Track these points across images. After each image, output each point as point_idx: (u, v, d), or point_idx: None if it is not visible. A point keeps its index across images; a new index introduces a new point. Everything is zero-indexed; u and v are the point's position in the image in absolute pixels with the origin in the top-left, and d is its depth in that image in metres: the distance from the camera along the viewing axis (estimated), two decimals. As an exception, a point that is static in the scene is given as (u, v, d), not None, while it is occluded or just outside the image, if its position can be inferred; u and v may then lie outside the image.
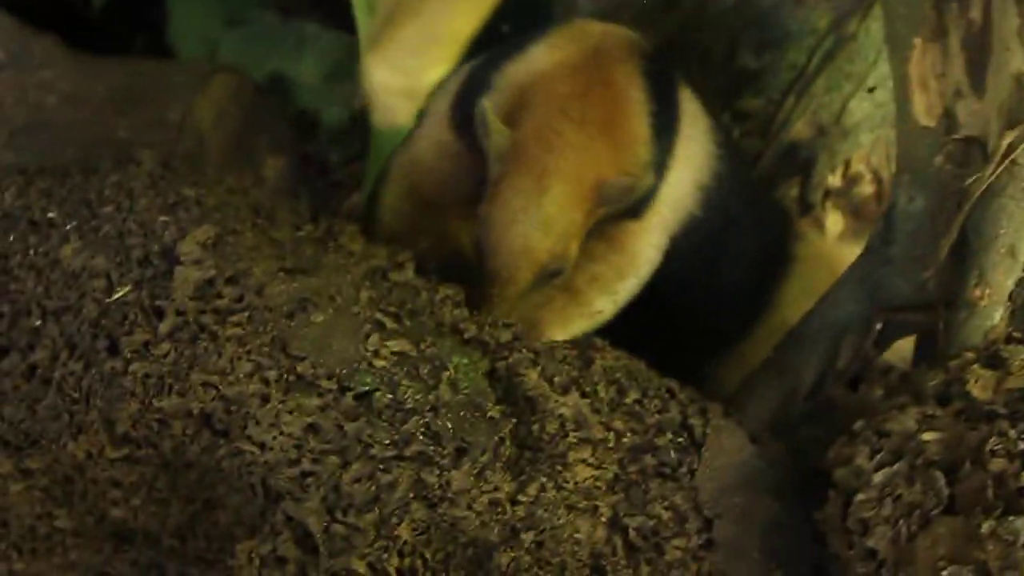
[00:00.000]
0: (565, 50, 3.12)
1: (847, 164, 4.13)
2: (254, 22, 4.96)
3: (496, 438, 2.58)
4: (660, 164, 3.05)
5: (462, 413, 2.59)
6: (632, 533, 2.64)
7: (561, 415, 2.66)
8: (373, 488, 2.51)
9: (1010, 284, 2.94)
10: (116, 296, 2.69)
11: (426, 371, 2.63)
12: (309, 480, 2.52)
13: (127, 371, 2.61)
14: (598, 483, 2.65)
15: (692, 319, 3.27)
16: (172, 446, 2.60)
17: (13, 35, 4.35)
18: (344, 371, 2.60)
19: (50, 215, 2.87)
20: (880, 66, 3.96)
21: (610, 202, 2.87)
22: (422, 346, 2.67)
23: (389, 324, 2.69)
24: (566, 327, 3.01)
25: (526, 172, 2.90)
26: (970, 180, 2.87)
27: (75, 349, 2.66)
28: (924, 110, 2.98)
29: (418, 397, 2.59)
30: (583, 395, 2.69)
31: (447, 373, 2.63)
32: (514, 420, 2.62)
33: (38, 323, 2.72)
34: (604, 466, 2.66)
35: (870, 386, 2.99)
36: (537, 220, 2.86)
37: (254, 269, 2.71)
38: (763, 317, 3.44)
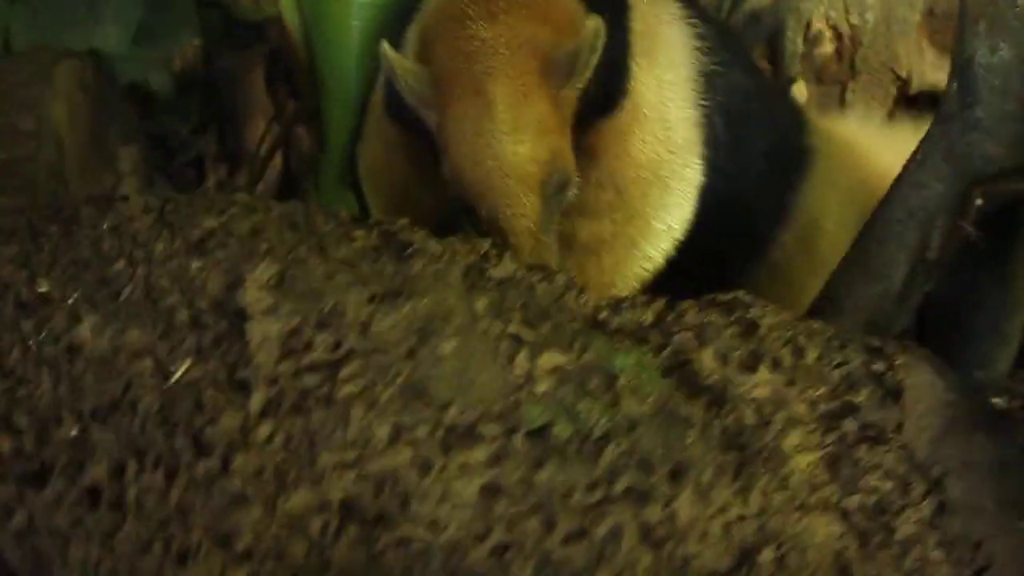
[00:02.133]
0: None
1: (808, 25, 3.74)
2: None
3: (709, 446, 2.08)
4: (616, 54, 2.62)
5: (660, 425, 2.08)
6: (856, 516, 2.18)
7: (756, 398, 2.17)
8: (590, 546, 1.98)
9: None
10: (176, 376, 2.07)
11: (597, 384, 2.11)
12: (509, 554, 1.97)
13: (229, 469, 1.99)
14: (817, 469, 2.18)
15: (709, 236, 2.84)
16: (308, 549, 2.00)
17: None
18: (504, 407, 2.05)
19: (41, 290, 2.19)
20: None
21: (563, 73, 2.46)
22: (576, 353, 2.13)
23: (527, 335, 2.15)
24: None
25: (461, 91, 2.46)
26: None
27: (144, 456, 2.02)
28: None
29: (604, 419, 2.06)
30: (772, 368, 2.21)
31: (621, 381, 2.11)
32: (718, 419, 2.12)
33: (76, 432, 2.07)
34: (816, 447, 2.20)
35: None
36: (498, 129, 2.43)
37: (343, 304, 2.11)
38: (789, 220, 3.04)
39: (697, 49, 2.85)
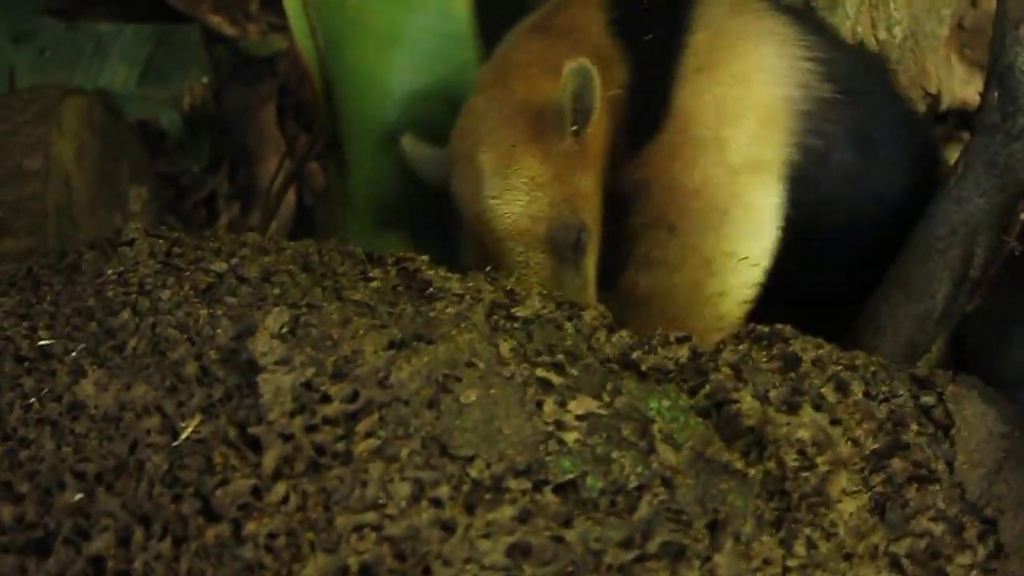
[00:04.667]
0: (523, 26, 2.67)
1: None
2: (42, 33, 4.20)
3: (750, 494, 1.95)
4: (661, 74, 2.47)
5: (698, 474, 1.95)
6: (907, 563, 2.05)
7: (800, 440, 2.04)
8: (627, 607, 1.85)
9: None
10: (185, 434, 1.95)
11: (630, 431, 1.98)
12: (541, 619, 1.85)
13: (241, 535, 1.87)
14: (865, 513, 2.05)
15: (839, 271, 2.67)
16: (328, 617, 1.88)
17: None
18: (532, 460, 1.93)
19: (42, 343, 2.08)
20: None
21: (553, 127, 2.38)
22: (607, 398, 2.01)
23: (555, 379, 2.02)
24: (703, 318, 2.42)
25: (458, 165, 2.49)
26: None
27: (152, 522, 1.90)
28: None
29: (639, 469, 1.93)
30: (816, 407, 2.08)
31: (656, 426, 1.98)
32: (759, 464, 1.99)
33: (80, 497, 1.95)
34: (863, 489, 2.07)
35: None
36: (489, 196, 2.42)
37: (360, 352, 1.99)
38: None
39: (792, 66, 2.59)
